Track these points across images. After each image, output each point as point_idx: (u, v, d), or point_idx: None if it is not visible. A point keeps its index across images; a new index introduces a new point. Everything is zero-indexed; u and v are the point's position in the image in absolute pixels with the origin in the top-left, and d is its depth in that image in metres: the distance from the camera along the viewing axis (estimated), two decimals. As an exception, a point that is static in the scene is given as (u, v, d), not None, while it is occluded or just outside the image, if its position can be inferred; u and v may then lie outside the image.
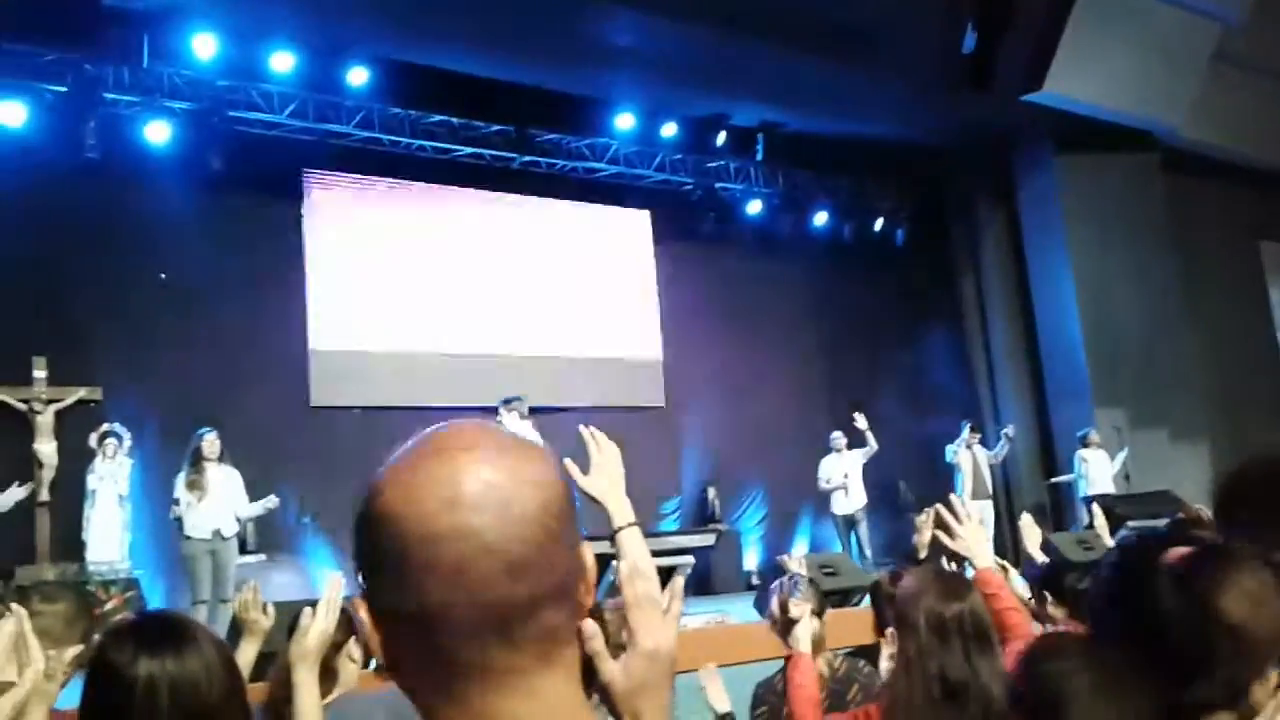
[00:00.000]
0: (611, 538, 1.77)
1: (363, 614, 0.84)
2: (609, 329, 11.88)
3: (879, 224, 13.05)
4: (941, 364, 13.05)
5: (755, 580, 11.61)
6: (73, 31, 8.48)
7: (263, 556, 8.55)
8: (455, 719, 0.81)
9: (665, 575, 5.52)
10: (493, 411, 10.84)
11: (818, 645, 3.11)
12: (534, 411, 11.07)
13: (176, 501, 7.52)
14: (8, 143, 8.46)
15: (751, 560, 11.84)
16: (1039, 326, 12.98)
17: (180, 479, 7.54)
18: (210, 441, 7.57)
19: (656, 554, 6.16)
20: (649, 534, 8.81)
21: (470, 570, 0.77)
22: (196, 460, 7.50)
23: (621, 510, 1.79)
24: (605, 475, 1.90)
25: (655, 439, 11.77)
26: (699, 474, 11.95)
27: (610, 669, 1.34)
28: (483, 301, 11.06)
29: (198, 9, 8.76)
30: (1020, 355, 13.31)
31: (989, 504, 11.04)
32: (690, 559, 7.18)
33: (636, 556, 1.58)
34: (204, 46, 8.92)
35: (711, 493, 11.77)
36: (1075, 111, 11.54)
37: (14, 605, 1.04)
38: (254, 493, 7.59)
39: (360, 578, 0.84)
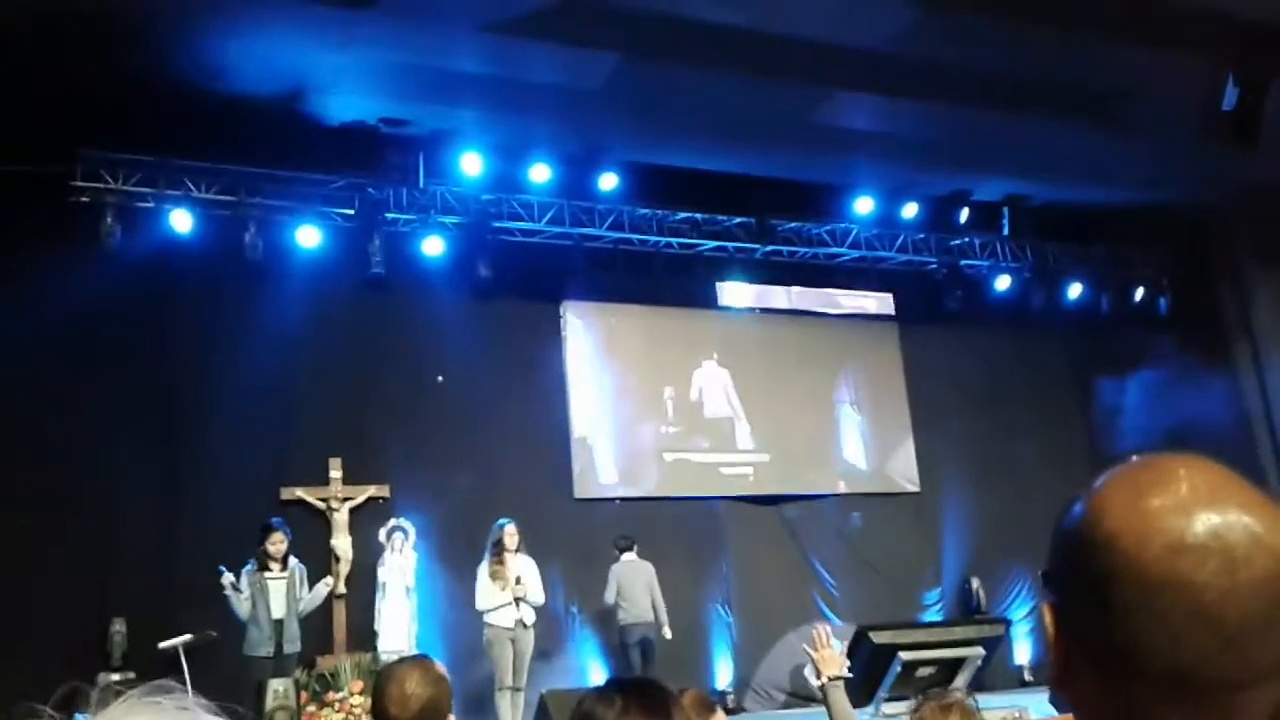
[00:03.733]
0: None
1: (1047, 621, 0.82)
2: (859, 413, 11.70)
3: (1139, 293, 12.37)
4: (1218, 438, 12.09)
5: (1028, 676, 10.96)
6: (358, 159, 9.34)
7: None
8: None
9: (954, 667, 5.29)
10: (752, 500, 10.89)
11: None
12: (787, 499, 11.04)
13: (478, 591, 7.84)
14: (305, 264, 9.30)
15: (1023, 654, 11.18)
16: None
17: (483, 569, 7.88)
18: (510, 532, 7.90)
19: (941, 645, 5.92)
20: (920, 625, 8.47)
21: (1179, 627, 0.72)
22: (498, 550, 7.83)
23: None
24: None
25: (912, 526, 11.44)
26: (960, 563, 11.47)
27: None
28: (733, 389, 11.16)
29: (466, 131, 9.44)
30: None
31: None
32: (980, 650, 6.86)
33: None
34: (471, 165, 9.60)
35: (975, 583, 11.26)
36: (1354, 162, 10.65)
37: None
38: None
39: (1057, 586, 0.81)
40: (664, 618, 8.95)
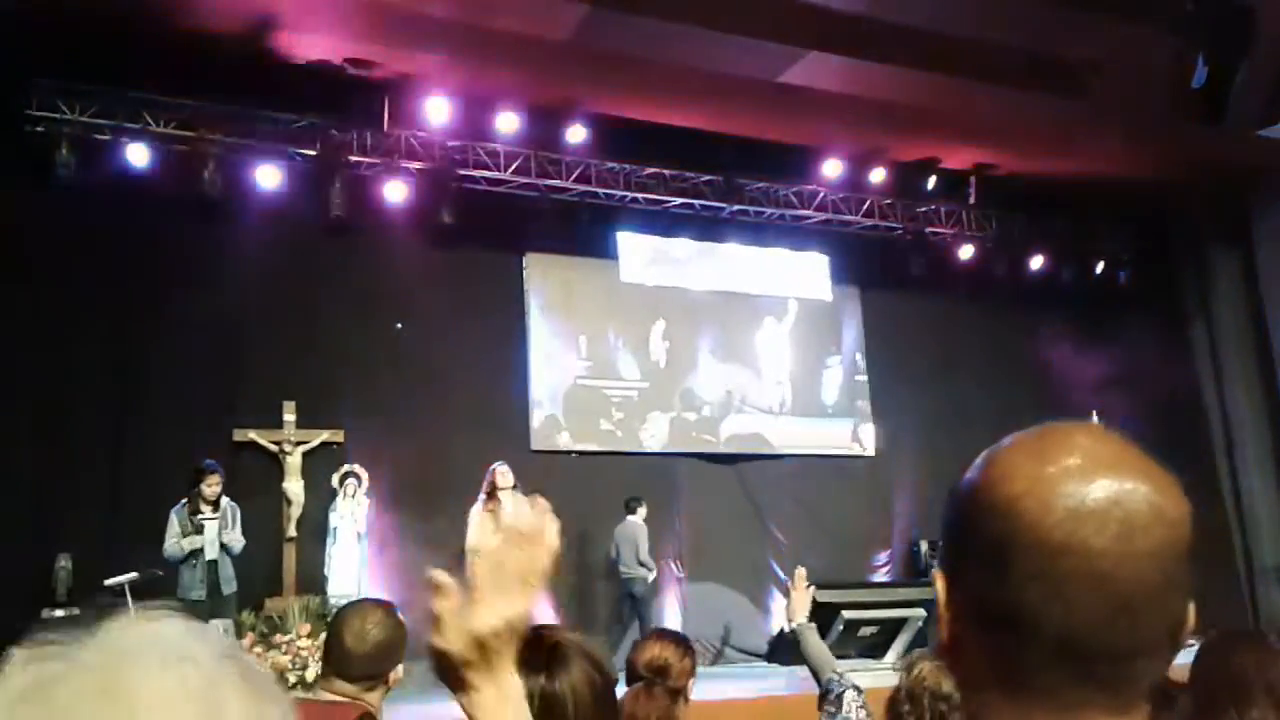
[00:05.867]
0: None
1: (940, 586, 0.82)
2: (817, 376, 11.78)
3: (1100, 267, 12.48)
4: (1171, 414, 12.28)
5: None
6: (321, 100, 9.18)
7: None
8: None
9: (895, 627, 5.40)
10: (708, 458, 10.96)
11: None
12: (744, 459, 11.12)
13: (470, 532, 7.73)
14: (264, 204, 9.16)
15: (967, 617, 11.38)
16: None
17: (477, 508, 7.79)
18: (502, 473, 7.76)
19: (883, 605, 6.05)
20: (863, 585, 8.59)
21: (1075, 593, 0.73)
22: (493, 491, 7.73)
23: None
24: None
25: (866, 489, 11.57)
26: (910, 526, 11.63)
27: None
28: (693, 347, 11.19)
29: (433, 76, 9.29)
30: (1259, 403, 12.41)
31: None
32: (922, 612, 6.99)
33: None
34: (437, 111, 9.46)
35: (924, 545, 11.42)
36: (1319, 145, 10.76)
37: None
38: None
39: (951, 551, 0.82)
40: (647, 570, 9.37)
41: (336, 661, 2.43)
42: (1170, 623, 0.75)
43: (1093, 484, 0.74)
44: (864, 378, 11.98)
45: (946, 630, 0.81)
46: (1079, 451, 0.77)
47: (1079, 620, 0.73)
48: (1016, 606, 0.75)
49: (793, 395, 11.58)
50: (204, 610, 7.23)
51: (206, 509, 7.48)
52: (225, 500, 7.60)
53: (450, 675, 1.05)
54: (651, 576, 9.46)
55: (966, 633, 0.79)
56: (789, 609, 3.51)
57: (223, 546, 7.44)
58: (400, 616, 2.53)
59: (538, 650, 1.64)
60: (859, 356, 12.06)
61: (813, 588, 3.60)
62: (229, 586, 7.49)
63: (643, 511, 9.55)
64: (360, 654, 2.39)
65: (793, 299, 11.80)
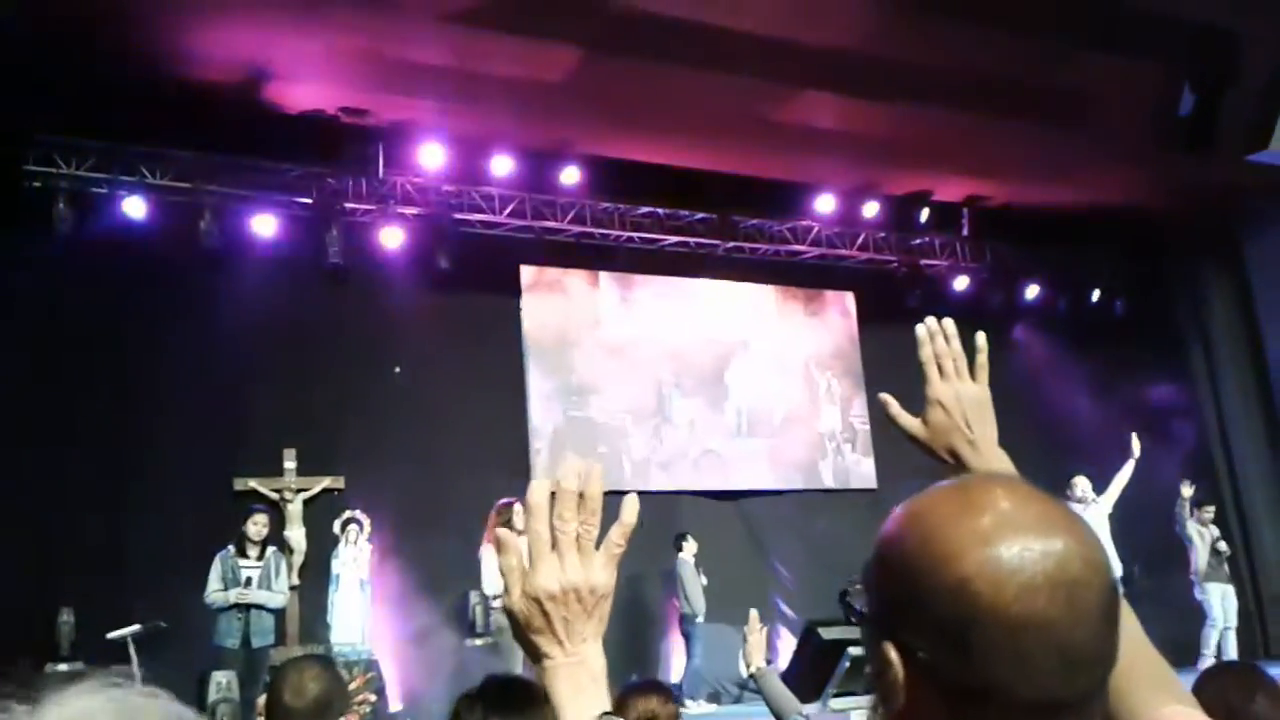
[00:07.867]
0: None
1: (892, 655, 0.82)
2: (816, 411, 11.77)
3: (1095, 295, 12.52)
4: (1171, 439, 12.28)
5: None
6: (316, 149, 9.25)
7: (487, 640, 8.73)
8: None
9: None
10: (711, 495, 10.94)
11: None
12: (745, 495, 11.10)
13: (488, 573, 7.54)
14: (261, 252, 9.21)
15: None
16: (1278, 392, 12.10)
17: (491, 550, 7.67)
18: (519, 512, 7.65)
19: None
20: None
21: (1038, 663, 0.76)
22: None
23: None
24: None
25: (867, 524, 11.48)
26: (914, 559, 11.55)
27: (911, 423, 1.43)
28: (692, 383, 11.20)
29: (426, 122, 9.38)
30: (1259, 426, 12.40)
31: (1228, 588, 10.16)
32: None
33: None
34: (431, 156, 9.55)
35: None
36: (1306, 169, 10.84)
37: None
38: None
39: (899, 624, 0.82)
40: (695, 608, 9.59)
41: (278, 719, 2.46)
42: (1112, 657, 0.81)
43: (1035, 553, 0.77)
44: (861, 413, 11.97)
45: (905, 696, 0.81)
46: (1011, 518, 0.80)
47: (1044, 685, 0.77)
48: (984, 683, 0.77)
49: (779, 427, 11.59)
50: (238, 659, 7.07)
51: (251, 554, 7.27)
52: (270, 550, 7.43)
53: (522, 640, 1.04)
54: (697, 617, 9.59)
55: (928, 700, 0.80)
56: (745, 654, 3.46)
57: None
58: (339, 671, 2.57)
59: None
60: (852, 390, 12.06)
61: (765, 630, 3.57)
62: (262, 639, 7.24)
63: (688, 546, 9.69)
64: (299, 709, 2.41)
65: (780, 334, 11.81)
